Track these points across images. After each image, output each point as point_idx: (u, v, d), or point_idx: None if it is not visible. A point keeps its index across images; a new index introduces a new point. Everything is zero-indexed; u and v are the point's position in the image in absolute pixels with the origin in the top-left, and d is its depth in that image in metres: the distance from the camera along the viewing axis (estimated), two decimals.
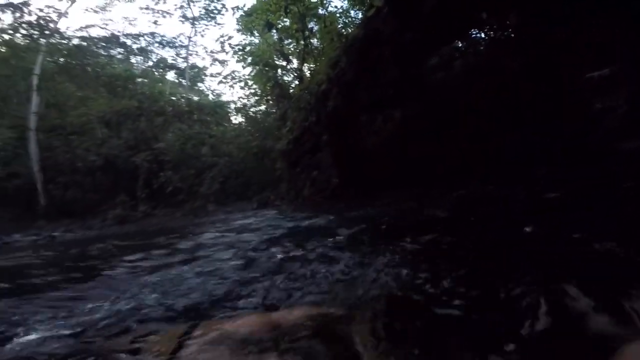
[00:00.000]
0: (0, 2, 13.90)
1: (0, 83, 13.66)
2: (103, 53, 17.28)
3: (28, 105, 12.94)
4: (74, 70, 15.22)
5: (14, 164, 12.21)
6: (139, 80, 17.18)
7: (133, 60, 18.93)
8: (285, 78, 13.96)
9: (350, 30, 10.21)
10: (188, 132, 13.27)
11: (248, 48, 14.17)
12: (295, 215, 4.82)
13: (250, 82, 15.45)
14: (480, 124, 4.38)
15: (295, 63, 13.14)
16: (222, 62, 19.30)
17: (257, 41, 14.06)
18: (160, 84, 18.24)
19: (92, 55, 16.30)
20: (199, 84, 20.42)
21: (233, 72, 19.39)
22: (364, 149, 5.67)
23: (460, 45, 5.55)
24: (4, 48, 14.58)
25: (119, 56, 18.17)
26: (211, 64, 21.77)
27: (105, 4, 19.54)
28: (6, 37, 14.61)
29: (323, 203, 6.29)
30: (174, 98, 16.06)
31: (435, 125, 4.72)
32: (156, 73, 19.47)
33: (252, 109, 15.80)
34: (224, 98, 19.74)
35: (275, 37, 13.03)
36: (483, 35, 5.41)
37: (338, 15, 11.82)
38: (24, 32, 14.52)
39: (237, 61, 15.83)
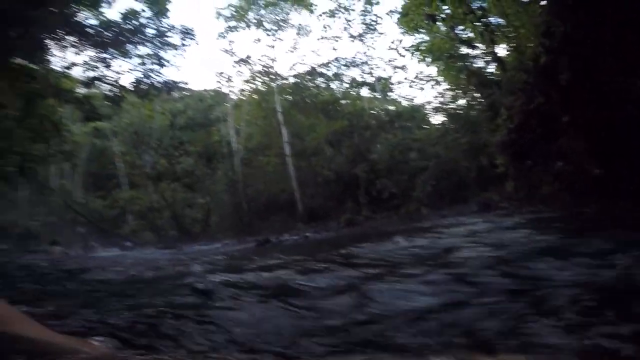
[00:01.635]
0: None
1: (263, 123, 19.31)
2: (311, 85, 20.47)
3: (281, 137, 17.89)
4: (299, 103, 19.22)
5: (281, 182, 17.25)
6: (343, 102, 19.70)
7: (332, 85, 21.14)
8: (478, 64, 12.19)
9: None
10: (394, 141, 14.12)
11: (422, 47, 13.52)
12: (538, 219, 3.96)
13: (440, 79, 14.56)
14: None
15: (481, 47, 11.28)
16: (402, 68, 19.36)
17: (427, 37, 13.16)
18: (358, 101, 20.36)
19: (304, 88, 19.93)
20: (389, 94, 21.09)
21: (419, 73, 18.54)
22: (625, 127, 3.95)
23: None
24: (255, 95, 20.44)
25: (322, 85, 20.88)
26: (394, 72, 21.51)
27: (294, 44, 23.71)
28: (249, 86, 20.51)
29: (573, 201, 4.87)
30: (373, 112, 17.56)
31: None
32: (352, 92, 21.78)
33: (451, 105, 14.80)
34: (417, 101, 19.57)
35: (442, 27, 11.77)
36: None
37: None
38: (259, 80, 20.11)
39: (419, 61, 15.11)
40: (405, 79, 20.74)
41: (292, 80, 19.86)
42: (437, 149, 11.96)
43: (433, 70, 14.93)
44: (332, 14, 19.30)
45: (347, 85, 20.76)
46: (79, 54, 8.09)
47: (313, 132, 17.40)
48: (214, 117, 22.62)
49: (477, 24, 10.49)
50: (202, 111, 23.78)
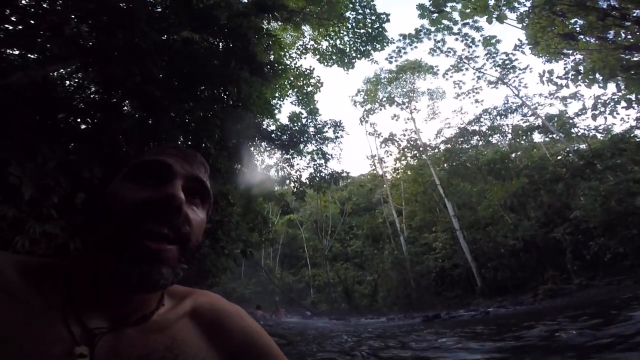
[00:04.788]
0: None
1: (422, 198, 18.48)
2: (466, 147, 18.56)
3: (446, 210, 16.53)
4: (459, 170, 17.45)
5: (454, 257, 15.37)
6: (512, 155, 16.71)
7: (493, 140, 18.70)
8: None
9: None
10: (604, 187, 10.47)
11: (581, 68, 10.22)
12: None
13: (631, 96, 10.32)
14: None
15: None
16: (575, 97, 15.03)
17: (579, 57, 9.99)
18: (535, 150, 16.74)
19: (460, 152, 18.06)
20: (573, 131, 16.16)
21: (598, 98, 13.52)
22: None
23: None
24: (409, 171, 19.84)
25: (480, 143, 18.66)
26: (565, 105, 16.66)
27: (433, 110, 21.87)
28: (400, 163, 19.94)
29: None
30: (559, 157, 13.93)
31: None
32: (522, 142, 18.22)
33: None
34: (616, 129, 14.59)
35: (590, 40, 8.74)
36: None
37: None
38: (408, 154, 19.52)
39: (588, 85, 11.34)
40: (582, 110, 15.86)
41: (442, 147, 19.12)
42: None
43: (612, 88, 11.08)
44: (457, 68, 18.31)
45: (511, 136, 18.27)
46: (270, 157, 11.07)
47: (484, 199, 15.54)
48: (375, 199, 24.12)
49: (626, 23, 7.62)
50: (364, 196, 25.94)
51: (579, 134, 15.52)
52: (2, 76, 2.90)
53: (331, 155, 13.02)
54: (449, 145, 18.64)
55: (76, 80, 3.62)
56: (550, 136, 16.99)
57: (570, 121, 16.13)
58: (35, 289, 0.48)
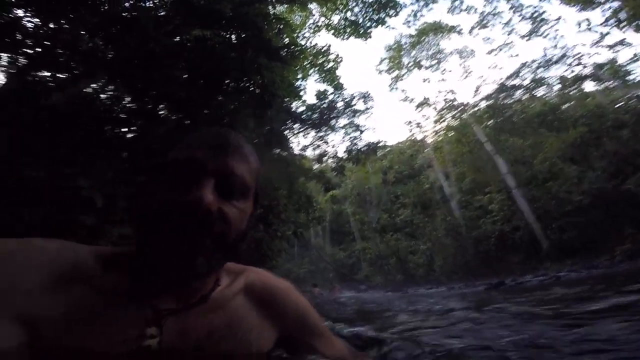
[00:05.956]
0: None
1: (470, 159, 17.59)
2: (509, 102, 17.40)
3: (497, 170, 15.38)
4: (505, 125, 16.31)
5: (513, 219, 14.33)
6: (564, 106, 15.41)
7: (538, 94, 17.67)
8: None
9: None
10: None
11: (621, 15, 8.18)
12: None
13: None
14: None
15: None
16: (622, 43, 12.72)
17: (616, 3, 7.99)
18: (589, 99, 15.12)
19: (504, 107, 16.90)
20: (629, 78, 14.30)
21: None
22: None
23: None
24: (451, 132, 18.85)
25: (524, 97, 17.50)
26: (613, 52, 14.94)
27: (465, 70, 20.55)
28: (440, 126, 18.95)
29: None
30: (619, 104, 12.16)
31: None
32: (572, 93, 16.50)
33: None
34: None
35: None
36: None
37: None
38: (447, 116, 18.49)
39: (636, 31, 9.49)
40: (636, 57, 13.88)
41: (483, 104, 18.18)
42: None
43: None
44: (482, 25, 17.15)
45: (558, 88, 17.19)
46: (305, 137, 11.15)
47: (539, 153, 14.31)
48: (418, 165, 23.26)
49: None
50: (406, 163, 25.11)
51: (637, 80, 13.88)
52: (43, 97, 3.09)
53: (365, 127, 12.95)
54: (489, 102, 17.70)
55: (109, 93, 3.77)
56: (604, 84, 15.44)
57: (624, 69, 14.71)
58: (110, 276, 0.53)
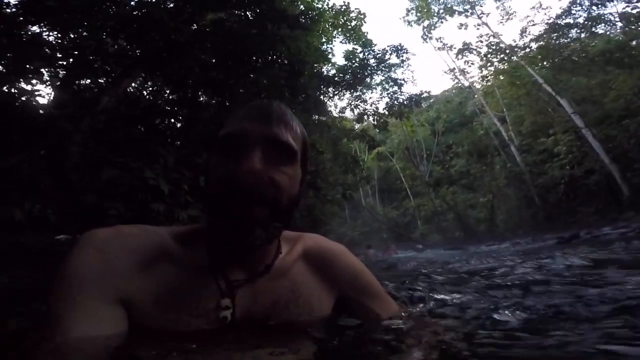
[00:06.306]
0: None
1: (527, 101, 15.73)
2: (565, 40, 16.06)
3: (561, 109, 13.56)
4: (565, 65, 14.73)
5: (585, 161, 12.70)
6: (633, 43, 13.52)
7: (599, 31, 15.92)
8: None
9: None
10: None
11: None
12: None
13: None
14: None
15: None
16: None
17: None
18: None
19: (561, 47, 15.52)
20: None
21: None
22: None
23: None
24: (502, 76, 17.30)
25: (582, 36, 15.95)
26: None
27: (506, 11, 19.07)
28: (487, 70, 16.98)
29: None
30: None
31: None
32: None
33: None
34: None
35: None
36: None
37: None
38: (495, 60, 16.53)
39: None
40: None
41: (534, 45, 16.56)
42: None
43: None
44: None
45: (621, 25, 15.05)
46: (341, 99, 10.94)
47: (610, 91, 12.60)
48: (468, 112, 21.34)
49: None
50: (454, 111, 23.19)
51: None
52: (94, 103, 3.36)
53: (404, 80, 12.59)
54: (542, 42, 16.12)
55: (150, 88, 3.96)
56: None
57: None
58: (188, 252, 0.58)
